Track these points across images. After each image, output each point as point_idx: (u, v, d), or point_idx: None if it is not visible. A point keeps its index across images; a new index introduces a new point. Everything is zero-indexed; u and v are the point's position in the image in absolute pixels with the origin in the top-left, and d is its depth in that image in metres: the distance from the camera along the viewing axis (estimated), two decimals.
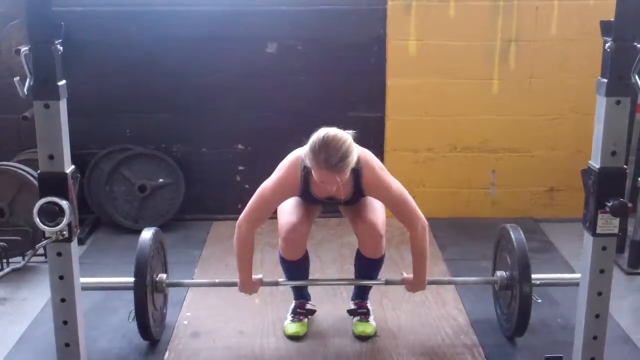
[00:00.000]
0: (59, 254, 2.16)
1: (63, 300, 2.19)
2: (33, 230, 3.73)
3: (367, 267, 3.03)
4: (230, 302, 3.33)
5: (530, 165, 4.18)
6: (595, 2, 4.00)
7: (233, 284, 2.95)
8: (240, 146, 4.29)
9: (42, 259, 3.74)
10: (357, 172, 2.68)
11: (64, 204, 2.07)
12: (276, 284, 3.01)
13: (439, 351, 2.93)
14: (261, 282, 2.95)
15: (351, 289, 3.34)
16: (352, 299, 3.18)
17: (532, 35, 4.04)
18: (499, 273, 2.97)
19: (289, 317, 3.11)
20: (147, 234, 2.96)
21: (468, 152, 4.23)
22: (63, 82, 2.10)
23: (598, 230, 2.13)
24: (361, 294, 3.17)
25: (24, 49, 2.05)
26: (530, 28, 4.03)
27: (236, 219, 4.41)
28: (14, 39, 3.97)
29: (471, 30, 4.05)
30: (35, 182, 3.69)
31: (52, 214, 2.07)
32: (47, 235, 2.10)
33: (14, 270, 3.65)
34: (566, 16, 4.04)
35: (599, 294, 2.17)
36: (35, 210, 2.07)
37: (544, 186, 4.27)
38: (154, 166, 4.21)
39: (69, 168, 2.13)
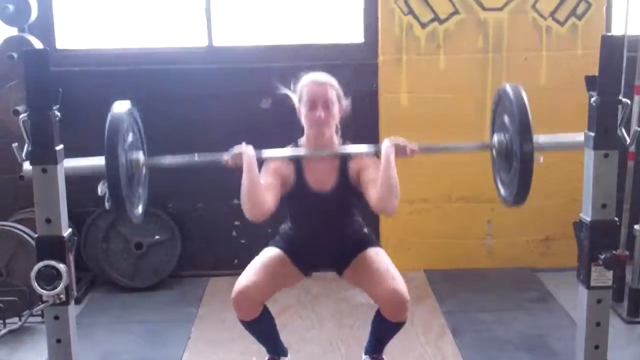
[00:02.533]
0: (56, 318, 2.18)
1: None
2: (30, 290, 3.73)
3: (390, 329, 2.96)
4: None
5: (526, 214, 4.19)
6: (584, 51, 4.10)
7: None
8: (236, 201, 4.27)
9: (39, 319, 3.71)
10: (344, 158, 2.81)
11: (62, 267, 2.10)
12: None
13: None
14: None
15: (351, 344, 3.34)
16: (367, 353, 3.09)
17: (521, 85, 4.10)
18: (497, 137, 2.67)
19: None
20: (119, 106, 2.65)
21: (463, 202, 4.27)
22: (61, 146, 2.15)
23: (592, 283, 2.16)
24: (377, 348, 3.07)
25: (22, 115, 2.11)
26: (520, 79, 4.03)
27: (233, 274, 4.42)
28: (12, 99, 4.02)
29: (462, 82, 4.13)
30: (33, 243, 3.76)
31: (49, 278, 2.10)
32: (44, 298, 2.12)
33: (10, 332, 3.64)
34: (555, 66, 4.13)
35: (596, 347, 2.18)
36: (32, 274, 2.10)
37: (540, 235, 4.30)
38: (150, 223, 4.23)
39: (67, 231, 2.16)
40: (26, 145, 2.12)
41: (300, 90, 2.81)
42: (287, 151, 2.84)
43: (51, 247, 2.11)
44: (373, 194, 2.68)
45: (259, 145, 4.08)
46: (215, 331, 3.66)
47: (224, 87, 4.19)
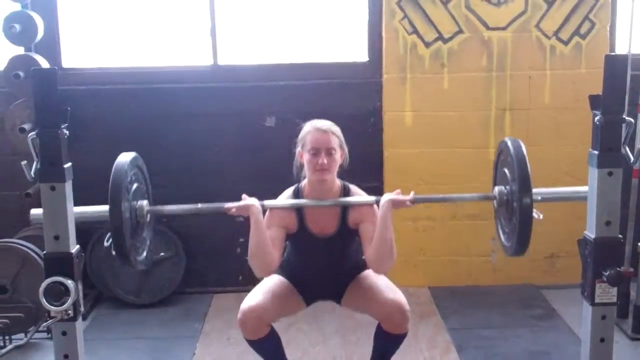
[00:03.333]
0: (64, 333, 2.19)
1: None
2: (36, 307, 3.75)
3: (392, 343, 2.97)
4: None
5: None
6: (587, 70, 4.13)
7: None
8: (240, 218, 4.33)
9: (45, 335, 3.74)
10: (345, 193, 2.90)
11: (70, 283, 2.12)
12: None
13: None
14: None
15: (355, 359, 3.37)
16: None
17: (526, 104, 4.15)
18: (497, 188, 2.72)
19: None
20: (124, 157, 2.67)
21: (468, 220, 4.28)
22: (69, 164, 2.18)
23: (596, 300, 2.17)
24: None
25: (31, 133, 2.13)
26: (524, 97, 4.15)
27: (237, 291, 4.47)
28: (19, 117, 4.06)
29: (465, 100, 4.16)
30: (39, 259, 3.78)
31: (57, 294, 2.12)
32: (52, 314, 2.14)
33: (16, 348, 3.65)
34: (559, 85, 4.16)
35: None
36: (41, 290, 2.12)
37: (544, 253, 4.31)
38: (155, 240, 4.18)
39: (74, 248, 2.18)
40: (35, 163, 2.13)
41: (304, 137, 2.87)
42: (290, 202, 2.91)
43: (59, 263, 2.14)
44: (369, 252, 2.78)
45: (263, 160, 4.16)
46: (220, 347, 3.67)
47: (229, 106, 4.22)
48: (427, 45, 4.12)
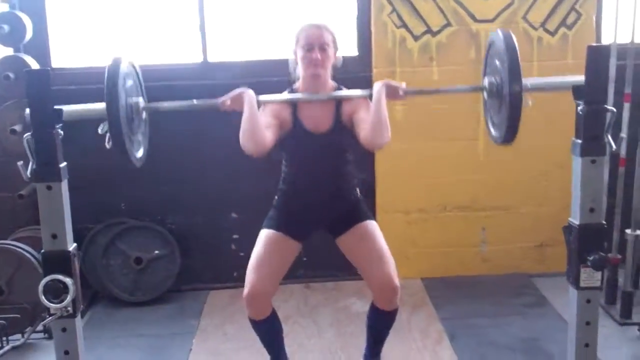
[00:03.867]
0: (64, 330, 2.25)
1: None
2: (32, 307, 3.81)
3: (381, 320, 3.09)
4: None
5: (520, 222, 4.31)
6: (574, 61, 4.19)
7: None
8: (234, 215, 4.42)
9: (42, 335, 3.82)
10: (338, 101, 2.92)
11: (68, 281, 2.18)
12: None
13: None
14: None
15: (351, 351, 3.44)
16: (365, 359, 3.21)
17: None
18: (487, 79, 2.72)
19: None
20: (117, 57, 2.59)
21: (458, 211, 4.37)
22: (64, 164, 2.23)
23: (581, 284, 2.25)
24: (375, 354, 3.19)
25: (26, 134, 2.19)
26: None
27: (232, 287, 4.54)
28: (9, 119, 4.10)
29: (455, 93, 4.22)
30: (34, 260, 3.84)
31: (56, 291, 2.17)
32: (52, 312, 2.20)
33: (13, 348, 3.70)
34: (546, 75, 4.17)
35: (586, 345, 2.28)
36: (40, 287, 2.18)
37: (534, 242, 4.39)
38: (150, 238, 4.31)
39: (72, 246, 2.24)
40: (30, 164, 2.19)
41: (298, 35, 2.90)
42: (284, 96, 2.94)
43: (57, 261, 2.20)
44: (364, 129, 2.79)
45: (256, 160, 4.18)
46: (217, 343, 3.74)
47: None
48: (416, 38, 4.19)
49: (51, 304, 2.18)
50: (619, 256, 3.92)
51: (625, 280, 3.80)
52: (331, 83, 2.98)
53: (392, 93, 2.79)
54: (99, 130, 2.43)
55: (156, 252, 4.30)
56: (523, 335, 3.65)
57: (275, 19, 4.40)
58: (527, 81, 2.50)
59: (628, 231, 3.81)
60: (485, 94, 2.71)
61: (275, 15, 4.39)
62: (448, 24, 4.18)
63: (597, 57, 2.18)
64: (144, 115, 2.68)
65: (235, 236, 4.42)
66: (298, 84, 2.99)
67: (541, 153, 4.27)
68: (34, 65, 4.08)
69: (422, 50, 4.21)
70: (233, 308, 4.14)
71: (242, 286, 4.36)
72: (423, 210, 4.36)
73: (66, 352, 2.26)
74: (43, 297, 2.17)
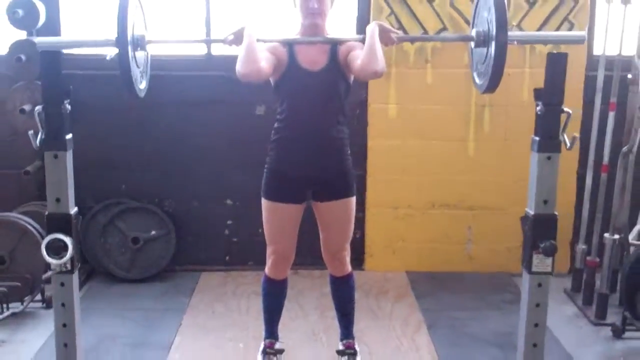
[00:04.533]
0: (62, 284, 2.58)
1: (64, 325, 2.61)
2: (32, 277, 4.14)
3: (339, 287, 3.46)
4: (216, 346, 3.74)
5: (505, 222, 4.60)
6: None
7: None
8: (229, 201, 4.75)
9: (40, 305, 4.15)
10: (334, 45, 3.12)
11: (68, 240, 2.51)
12: None
13: None
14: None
15: (332, 334, 3.73)
16: (340, 339, 3.53)
17: (505, 100, 4.51)
18: (475, 29, 2.86)
19: (260, 358, 3.48)
20: None
21: (446, 209, 4.68)
22: (70, 135, 2.56)
23: (533, 269, 2.55)
24: (347, 333, 3.52)
25: (37, 107, 2.52)
26: (503, 93, 4.48)
27: (224, 270, 4.87)
28: (19, 99, 4.43)
29: (447, 95, 4.54)
30: (36, 232, 4.18)
31: (57, 249, 2.50)
32: (52, 267, 2.53)
33: (13, 314, 4.01)
34: (537, 83, 4.42)
35: (536, 325, 2.58)
36: (43, 245, 2.50)
37: (518, 242, 4.61)
38: (147, 219, 4.66)
39: (73, 210, 2.57)
40: (40, 134, 2.52)
41: None
42: (283, 38, 3.13)
43: (60, 222, 2.52)
44: (358, 62, 2.94)
45: (253, 148, 4.52)
46: (205, 320, 4.07)
47: (222, 94, 4.59)
48: (409, 40, 4.50)
49: (52, 260, 2.51)
50: (597, 259, 4.21)
51: (602, 283, 4.08)
52: (327, 31, 3.17)
53: (385, 37, 2.96)
54: (107, 58, 2.66)
55: (153, 232, 4.64)
56: (499, 329, 3.93)
57: (278, 15, 4.69)
58: (513, 35, 2.70)
59: (606, 235, 4.11)
60: (472, 44, 2.88)
61: (279, 10, 4.66)
62: (444, 28, 4.49)
63: (555, 63, 2.49)
64: (147, 50, 2.88)
65: (228, 222, 4.77)
66: (297, 32, 3.18)
67: (528, 155, 4.52)
68: (38, 42, 4.38)
69: (417, 52, 4.52)
70: (223, 289, 4.49)
71: (234, 269, 4.79)
72: (411, 207, 4.68)
73: (62, 305, 2.59)
74: (45, 254, 2.49)
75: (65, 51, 4.64)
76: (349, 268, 3.43)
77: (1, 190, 4.69)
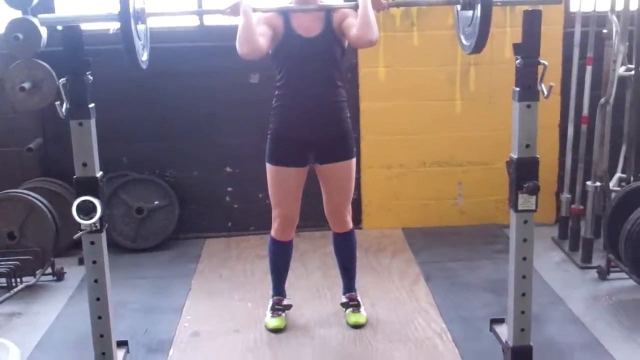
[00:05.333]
0: (92, 243, 2.95)
1: (96, 280, 2.98)
2: (42, 251, 4.49)
3: (341, 244, 3.83)
4: (226, 307, 4.10)
5: (494, 176, 4.98)
6: (545, 27, 4.77)
7: None
8: (228, 169, 5.13)
9: (51, 278, 4.49)
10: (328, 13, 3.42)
11: (96, 201, 2.87)
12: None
13: (412, 337, 3.66)
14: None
15: (335, 290, 4.10)
16: (343, 293, 3.91)
17: (488, 58, 4.89)
18: None
19: (269, 314, 3.83)
20: None
21: (436, 166, 5.11)
22: (92, 105, 2.91)
23: (519, 207, 2.93)
24: (349, 286, 3.90)
25: (62, 79, 2.86)
26: (487, 52, 4.83)
27: (227, 236, 5.22)
28: (18, 77, 4.70)
29: (434, 56, 4.93)
30: (44, 207, 4.54)
31: (87, 210, 2.85)
32: (82, 227, 2.89)
33: (27, 287, 4.32)
34: (517, 39, 4.88)
35: (524, 258, 2.96)
36: (73, 207, 2.85)
37: (506, 195, 5.06)
38: (150, 190, 5.04)
39: (99, 173, 2.93)
40: (65, 104, 2.86)
41: None
42: (278, 6, 3.43)
43: (87, 186, 2.87)
44: (353, 30, 3.27)
45: (248, 115, 4.89)
46: (213, 283, 4.45)
47: (216, 64, 4.93)
48: (398, 5, 4.86)
49: (82, 221, 2.87)
50: (582, 207, 4.63)
51: (586, 229, 4.50)
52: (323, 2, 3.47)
53: (376, 3, 3.25)
54: (110, 31, 2.99)
55: (156, 202, 5.02)
56: (491, 277, 4.34)
57: None
58: None
59: (589, 183, 4.51)
60: (458, 7, 3.10)
61: None
62: None
63: (531, 19, 2.85)
64: (147, 23, 3.11)
65: (229, 189, 5.16)
66: (292, 0, 3.47)
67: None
68: (42, 27, 4.68)
69: (404, 16, 4.91)
70: (228, 254, 4.88)
71: (236, 235, 5.15)
72: (403, 166, 5.10)
73: (94, 262, 2.96)
74: (76, 215, 2.85)
75: (58, 27, 4.95)
76: (350, 225, 3.79)
77: (4, 168, 5.03)
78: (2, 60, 4.82)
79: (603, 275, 4.27)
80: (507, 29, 4.89)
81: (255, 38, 3.23)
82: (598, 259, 4.43)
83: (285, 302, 3.89)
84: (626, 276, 4.16)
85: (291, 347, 3.63)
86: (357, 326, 3.76)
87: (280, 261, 3.85)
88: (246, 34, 3.21)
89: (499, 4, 3.03)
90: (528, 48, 2.87)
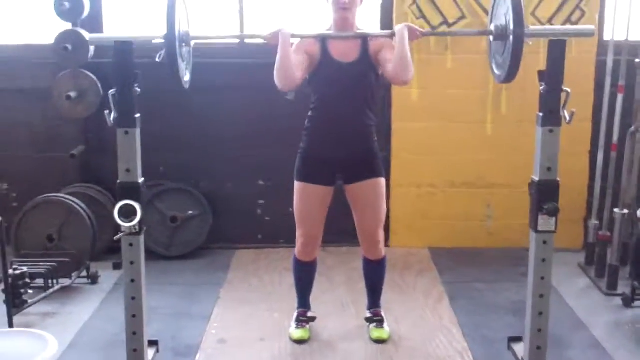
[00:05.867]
0: (131, 244, 3.21)
1: (132, 280, 3.24)
2: (79, 254, 4.77)
3: (371, 268, 3.98)
4: (253, 316, 4.31)
5: (522, 199, 5.01)
6: (578, 54, 5.05)
7: None
8: (261, 182, 5.39)
9: (85, 280, 4.74)
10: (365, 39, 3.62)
11: (137, 206, 3.13)
12: None
13: (434, 354, 3.80)
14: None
15: (359, 305, 4.29)
16: (368, 309, 4.09)
17: (521, 83, 4.99)
18: (494, 24, 3.34)
19: (294, 325, 4.02)
20: None
21: (466, 187, 5.31)
22: (138, 115, 3.18)
23: (539, 228, 3.14)
24: (374, 303, 4.07)
25: (111, 90, 3.14)
26: (519, 76, 4.99)
27: (257, 248, 5.44)
28: (65, 86, 5.03)
29: (466, 79, 5.15)
30: (82, 212, 4.82)
31: (127, 213, 3.12)
32: (122, 230, 3.15)
33: (62, 288, 4.57)
34: None
35: (542, 278, 3.17)
36: (115, 210, 3.12)
37: None
38: (184, 199, 5.31)
39: (141, 179, 3.20)
40: (113, 113, 3.14)
41: None
42: (316, 33, 3.63)
43: (129, 191, 3.14)
44: (390, 67, 3.49)
45: (282, 130, 5.12)
46: (242, 293, 4.68)
47: (254, 80, 5.12)
48: (433, 29, 5.11)
49: (123, 223, 3.13)
50: (609, 233, 4.77)
51: (612, 256, 4.65)
52: (357, 25, 3.66)
53: (412, 34, 3.48)
54: (157, 59, 3.21)
55: (190, 212, 5.29)
56: (515, 299, 4.48)
57: (308, 3, 5.31)
58: (529, 27, 3.21)
59: (616, 210, 4.67)
60: (491, 37, 3.37)
61: (310, 5, 5.28)
62: (463, 17, 5.11)
63: (555, 49, 3.07)
64: (191, 44, 3.41)
65: (260, 202, 5.42)
66: (329, 27, 3.66)
67: None
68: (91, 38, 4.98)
69: (438, 39, 5.13)
70: (257, 265, 5.13)
71: (266, 247, 5.41)
72: (433, 185, 5.31)
73: (132, 263, 3.22)
74: (118, 218, 3.12)
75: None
76: (383, 252, 3.92)
77: (48, 173, 5.34)
78: (51, 69, 5.12)
79: (628, 302, 4.38)
80: (540, 55, 5.06)
81: (291, 72, 3.47)
82: (623, 287, 4.54)
83: (309, 314, 4.08)
84: None
85: (314, 359, 3.81)
86: (379, 341, 3.92)
87: (304, 280, 4.06)
88: (283, 66, 3.45)
89: (530, 42, 3.21)
90: (552, 75, 3.09)
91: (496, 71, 3.41)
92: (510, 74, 3.21)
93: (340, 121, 3.67)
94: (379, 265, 3.97)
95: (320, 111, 3.72)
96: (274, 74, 3.50)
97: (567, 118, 3.09)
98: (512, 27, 3.11)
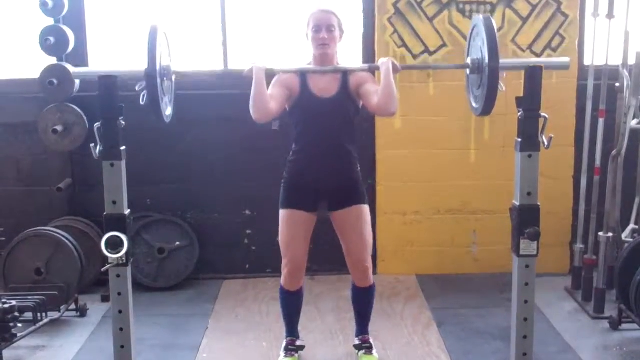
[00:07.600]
0: (118, 275, 3.27)
1: (120, 311, 3.29)
2: (67, 287, 4.81)
3: (360, 295, 4.03)
4: (241, 346, 4.36)
5: (507, 225, 5.14)
6: (558, 80, 5.16)
7: None
8: (247, 212, 5.46)
9: (74, 313, 4.78)
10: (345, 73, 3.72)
11: (124, 237, 3.20)
12: None
13: None
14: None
15: (348, 333, 4.36)
16: (356, 335, 4.15)
17: (503, 109, 5.11)
18: (470, 58, 3.43)
19: (282, 354, 4.07)
20: (153, 27, 3.25)
21: (451, 214, 5.39)
22: (124, 147, 3.26)
23: (521, 252, 3.22)
24: (363, 329, 4.13)
25: (96, 123, 3.21)
26: (501, 103, 5.12)
27: (245, 278, 5.50)
28: (51, 120, 5.12)
29: (449, 106, 5.24)
30: (70, 245, 4.87)
31: (114, 245, 3.19)
32: (109, 261, 3.21)
33: (51, 321, 4.57)
34: None
35: (525, 302, 3.24)
36: (102, 242, 3.19)
37: None
38: (171, 231, 5.37)
39: (127, 211, 3.26)
40: (98, 146, 3.21)
41: (309, 18, 3.70)
42: (295, 67, 3.75)
43: (116, 222, 3.21)
44: (375, 100, 3.60)
45: (268, 161, 5.20)
46: (230, 323, 4.72)
47: (238, 111, 5.12)
48: (415, 57, 5.22)
49: (110, 255, 3.19)
50: (594, 257, 4.83)
51: (599, 279, 4.71)
52: (337, 60, 3.77)
53: (394, 69, 3.60)
54: (136, 88, 3.24)
55: (177, 243, 5.35)
56: (503, 325, 4.49)
57: (292, 33, 5.36)
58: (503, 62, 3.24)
59: (601, 234, 4.74)
60: (468, 70, 3.46)
61: (292, 29, 5.32)
62: (444, 45, 5.22)
63: (532, 75, 3.17)
64: (173, 79, 3.49)
65: (248, 231, 5.49)
66: (309, 62, 3.79)
67: None
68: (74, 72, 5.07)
69: None
70: (244, 295, 5.18)
71: (254, 277, 5.44)
72: (418, 213, 5.39)
73: (119, 294, 3.28)
74: (104, 249, 3.18)
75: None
76: (372, 280, 3.98)
77: (34, 206, 5.41)
78: (36, 104, 5.20)
79: (615, 325, 4.44)
80: (521, 82, 5.16)
81: (264, 105, 3.59)
82: (610, 310, 4.61)
83: (298, 342, 4.14)
84: (638, 327, 4.32)
85: None
86: None
87: (291, 309, 4.10)
88: (256, 99, 3.58)
89: (504, 75, 3.28)
90: (529, 101, 3.19)
91: (474, 104, 3.51)
92: (487, 107, 3.30)
93: (322, 153, 3.77)
94: (367, 292, 4.02)
95: (301, 144, 3.83)
96: (250, 112, 3.63)
97: (546, 143, 3.17)
98: (487, 60, 3.19)
